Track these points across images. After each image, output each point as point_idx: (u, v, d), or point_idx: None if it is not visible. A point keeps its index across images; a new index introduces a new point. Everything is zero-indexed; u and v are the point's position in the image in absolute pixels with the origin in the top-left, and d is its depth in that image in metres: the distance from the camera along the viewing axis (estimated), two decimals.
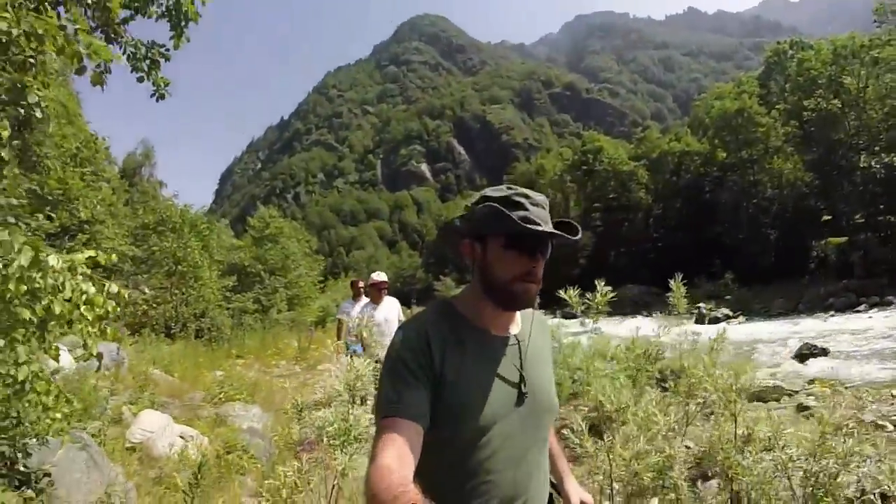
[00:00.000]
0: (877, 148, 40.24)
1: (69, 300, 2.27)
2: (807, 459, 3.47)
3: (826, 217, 40.61)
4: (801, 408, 8.11)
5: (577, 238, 1.60)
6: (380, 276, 8.06)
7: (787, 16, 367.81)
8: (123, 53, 5.07)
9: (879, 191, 36.27)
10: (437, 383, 1.50)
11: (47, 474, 2.80)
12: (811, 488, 3.42)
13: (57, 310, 2.25)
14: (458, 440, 1.53)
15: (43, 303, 2.19)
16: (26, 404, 2.61)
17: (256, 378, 10.20)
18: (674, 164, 54.06)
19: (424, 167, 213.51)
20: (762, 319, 27.74)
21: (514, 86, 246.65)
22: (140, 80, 5.28)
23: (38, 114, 2.80)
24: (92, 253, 2.55)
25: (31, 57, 2.83)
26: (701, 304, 32.53)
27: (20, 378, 2.41)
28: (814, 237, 39.11)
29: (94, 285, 2.45)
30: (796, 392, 9.73)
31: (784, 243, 40.40)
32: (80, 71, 2.78)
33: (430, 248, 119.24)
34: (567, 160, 68.57)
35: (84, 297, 2.35)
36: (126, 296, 2.73)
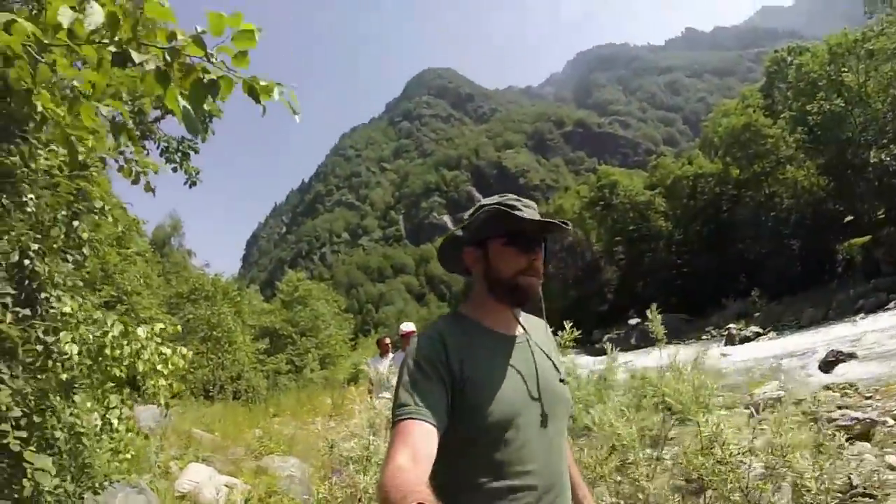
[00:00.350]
0: (884, 141, 40.13)
1: (147, 360, 2.95)
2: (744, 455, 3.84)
3: (848, 218, 39.58)
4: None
5: (569, 227, 1.74)
6: (408, 326, 8.29)
7: (783, 20, 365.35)
8: (157, 147, 5.86)
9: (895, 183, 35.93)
10: (456, 384, 1.57)
11: None
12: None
13: (140, 368, 2.93)
14: (483, 438, 1.58)
15: (125, 363, 2.87)
16: (99, 449, 3.21)
17: (293, 433, 10.77)
18: (689, 188, 53.72)
19: (446, 218, 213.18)
20: (793, 332, 27.42)
21: (526, 129, 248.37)
22: (174, 170, 6.03)
23: (106, 217, 3.49)
24: (162, 325, 3.28)
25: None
26: (731, 325, 32.54)
27: (110, 421, 3.05)
28: (837, 240, 38.15)
29: (172, 351, 3.17)
30: (801, 400, 9.95)
31: (808, 251, 39.75)
32: (136, 181, 3.43)
33: (459, 299, 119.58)
34: (584, 197, 68.64)
35: (161, 357, 3.04)
36: (188, 357, 3.43)
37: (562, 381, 1.76)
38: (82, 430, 2.83)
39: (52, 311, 2.53)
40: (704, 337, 34.54)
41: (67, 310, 2.55)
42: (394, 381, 4.95)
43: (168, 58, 1.83)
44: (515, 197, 1.74)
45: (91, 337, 2.78)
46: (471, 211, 1.80)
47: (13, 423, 2.21)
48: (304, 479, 7.24)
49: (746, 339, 27.38)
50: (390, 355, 9.05)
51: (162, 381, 3.12)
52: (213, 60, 1.88)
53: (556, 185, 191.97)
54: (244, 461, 8.40)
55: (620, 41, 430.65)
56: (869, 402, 9.39)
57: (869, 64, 41.65)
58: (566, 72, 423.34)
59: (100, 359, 2.77)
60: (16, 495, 2.12)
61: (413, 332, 8.09)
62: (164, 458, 7.03)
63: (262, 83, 1.97)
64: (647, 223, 57.35)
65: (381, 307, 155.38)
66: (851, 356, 14.76)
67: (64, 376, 2.57)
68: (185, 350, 3.42)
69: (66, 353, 2.54)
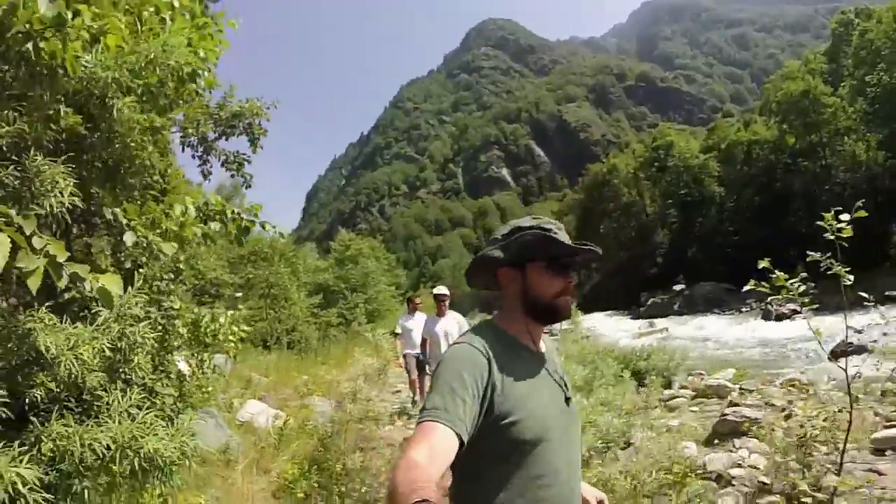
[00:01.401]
0: None
1: (224, 332, 4.40)
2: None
3: None
4: (731, 404, 8.66)
5: (600, 252, 1.83)
6: (440, 290, 8.50)
7: None
8: (217, 159, 7.26)
9: None
10: (495, 401, 1.60)
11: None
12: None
13: (221, 338, 4.34)
14: (517, 453, 1.63)
15: (210, 335, 4.31)
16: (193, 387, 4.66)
17: (332, 378, 12.33)
18: (744, 154, 52.75)
19: (505, 172, 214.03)
20: (831, 313, 26.80)
21: (588, 82, 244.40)
22: (232, 176, 7.44)
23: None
24: (237, 311, 4.74)
25: None
26: (775, 298, 32.67)
27: (203, 369, 4.48)
28: (894, 220, 37.39)
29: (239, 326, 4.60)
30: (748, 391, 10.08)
31: (862, 229, 37.73)
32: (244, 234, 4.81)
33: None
34: (640, 157, 68.41)
35: (233, 328, 4.45)
36: (248, 329, 4.89)
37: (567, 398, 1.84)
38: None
39: (170, 308, 3.91)
40: (745, 309, 34.80)
41: (176, 306, 3.92)
42: (418, 339, 6.50)
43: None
44: (550, 221, 1.84)
45: (191, 320, 4.27)
46: (505, 231, 1.86)
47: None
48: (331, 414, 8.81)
49: (783, 316, 27.23)
50: (419, 314, 9.70)
51: (231, 343, 4.51)
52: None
53: (617, 141, 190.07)
54: (291, 400, 9.88)
55: None
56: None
57: None
58: (630, 22, 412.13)
59: (196, 333, 4.17)
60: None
61: (444, 294, 8.42)
62: (229, 395, 8.62)
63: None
64: (701, 187, 56.80)
65: (439, 259, 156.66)
66: (863, 349, 14.26)
67: (176, 343, 3.98)
68: (245, 326, 4.80)
69: (180, 332, 3.97)
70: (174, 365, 3.99)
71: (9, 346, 2.70)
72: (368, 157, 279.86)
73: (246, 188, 7.60)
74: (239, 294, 18.34)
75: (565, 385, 1.84)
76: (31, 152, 2.57)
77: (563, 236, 1.79)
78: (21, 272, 2.25)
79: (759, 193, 49.78)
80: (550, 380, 1.80)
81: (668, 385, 11.46)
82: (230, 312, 4.64)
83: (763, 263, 4.54)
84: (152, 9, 3.35)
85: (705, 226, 55.10)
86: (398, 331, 9.49)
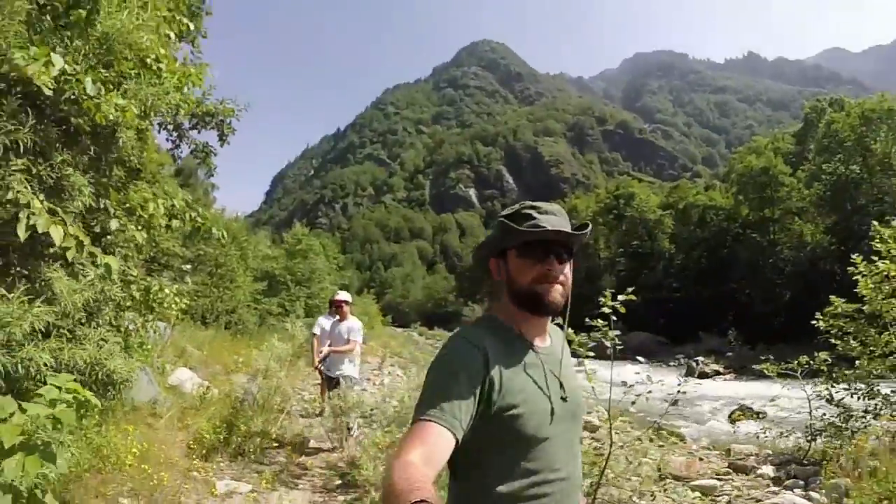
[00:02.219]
0: (886, 217, 40.62)
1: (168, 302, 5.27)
2: None
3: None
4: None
5: (584, 232, 1.72)
6: (340, 295, 8.50)
7: (849, 66, 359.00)
8: (189, 147, 8.10)
9: None
10: (490, 396, 1.56)
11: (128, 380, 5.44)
12: None
13: (166, 306, 5.22)
14: (512, 448, 1.61)
15: (157, 302, 5.18)
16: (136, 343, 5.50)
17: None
18: (698, 216, 54.22)
19: (472, 192, 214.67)
20: (751, 379, 27.49)
21: (568, 119, 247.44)
22: (198, 163, 8.31)
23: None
24: (181, 286, 5.63)
25: None
26: (700, 358, 33.77)
27: (147, 328, 5.36)
28: (827, 302, 37.77)
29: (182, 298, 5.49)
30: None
31: (797, 305, 37.71)
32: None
33: (466, 274, 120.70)
34: (600, 203, 69.48)
35: (177, 300, 5.32)
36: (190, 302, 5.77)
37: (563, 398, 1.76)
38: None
39: (129, 274, 4.81)
40: (672, 363, 35.83)
41: (134, 273, 4.81)
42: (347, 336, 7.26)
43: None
44: (533, 204, 1.75)
45: (144, 286, 5.14)
46: (496, 221, 1.81)
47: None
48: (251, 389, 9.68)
49: (705, 375, 27.75)
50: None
51: (174, 312, 5.40)
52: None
53: (586, 182, 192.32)
54: (219, 375, 10.75)
55: (681, 50, 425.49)
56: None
57: None
58: (621, 70, 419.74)
59: (147, 298, 5.04)
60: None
61: (340, 300, 8.34)
62: (163, 360, 9.43)
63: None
64: (653, 241, 58.40)
65: (392, 267, 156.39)
66: (759, 415, 14.76)
67: (128, 304, 4.85)
68: (185, 300, 5.69)
69: (134, 296, 4.85)
70: (124, 319, 4.89)
71: (35, 286, 3.66)
72: (341, 153, 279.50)
73: (208, 177, 8.52)
74: (187, 267, 18.97)
75: (561, 383, 1.75)
76: (55, 155, 3.56)
77: (545, 219, 1.69)
78: (60, 248, 3.25)
79: (707, 256, 50.94)
80: (554, 373, 1.75)
81: None
82: (176, 286, 5.52)
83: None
84: (154, 56, 4.31)
85: (651, 278, 55.71)
86: (316, 331, 9.20)
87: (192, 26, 5.46)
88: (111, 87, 3.80)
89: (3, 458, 2.55)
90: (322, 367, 8.32)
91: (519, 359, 1.68)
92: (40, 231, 3.08)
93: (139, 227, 4.71)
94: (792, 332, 36.15)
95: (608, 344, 5.21)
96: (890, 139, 41.81)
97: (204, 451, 6.11)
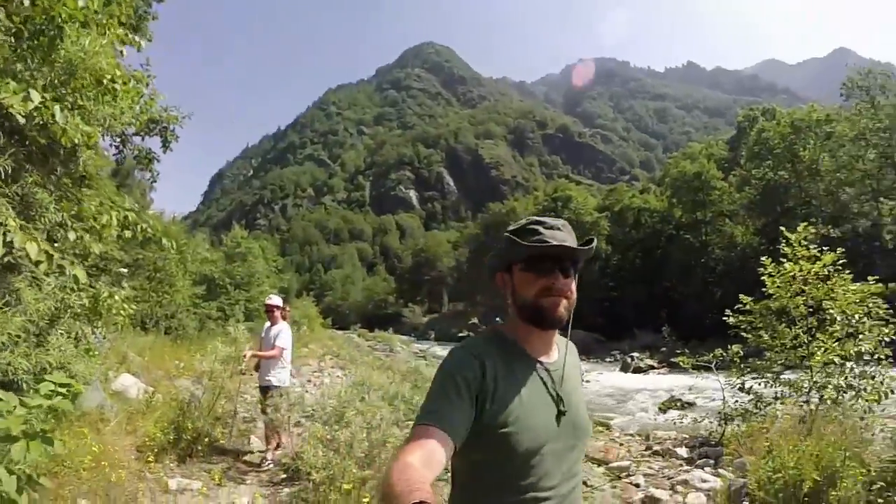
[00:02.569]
0: (813, 219, 42.80)
1: (115, 308, 5.47)
2: None
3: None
4: None
5: (588, 247, 1.72)
6: (271, 299, 8.36)
7: (784, 77, 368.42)
8: (132, 154, 8.23)
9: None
10: (486, 406, 1.58)
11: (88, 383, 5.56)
12: None
13: (114, 312, 5.41)
14: (509, 462, 1.61)
15: (105, 307, 5.37)
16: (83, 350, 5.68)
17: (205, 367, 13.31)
18: (634, 218, 56.00)
19: (412, 194, 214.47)
20: (682, 372, 28.64)
21: (510, 123, 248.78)
22: (141, 169, 8.46)
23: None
24: (128, 293, 5.82)
25: None
26: (635, 354, 34.83)
27: (86, 346, 5.54)
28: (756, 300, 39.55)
29: (129, 304, 5.69)
30: None
31: (727, 303, 39.25)
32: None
33: (406, 276, 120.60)
34: (539, 205, 70.39)
35: (124, 306, 5.52)
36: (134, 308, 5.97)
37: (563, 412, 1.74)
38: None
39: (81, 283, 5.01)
40: (608, 359, 36.97)
41: (83, 281, 5.02)
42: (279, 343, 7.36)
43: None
44: (539, 220, 1.76)
45: (92, 293, 5.32)
46: (503, 235, 1.81)
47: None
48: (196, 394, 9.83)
49: (639, 370, 29.43)
50: (283, 323, 9.46)
51: (121, 318, 5.60)
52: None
53: (526, 184, 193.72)
54: (162, 380, 10.84)
55: (623, 58, 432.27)
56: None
57: (826, 144, 44.01)
58: (563, 76, 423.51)
59: (95, 305, 5.23)
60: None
61: (278, 305, 8.23)
62: (105, 367, 9.52)
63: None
64: None
65: (331, 269, 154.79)
66: (686, 405, 15.83)
67: (79, 311, 5.04)
68: (133, 306, 5.90)
69: (84, 303, 5.04)
70: (68, 324, 5.10)
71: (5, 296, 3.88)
72: (281, 153, 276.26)
73: (152, 183, 8.70)
74: (124, 270, 18.74)
75: (561, 399, 1.73)
76: (25, 176, 3.81)
77: (550, 234, 1.71)
78: (33, 261, 3.50)
79: (642, 257, 52.56)
80: (557, 390, 1.74)
81: None
82: (123, 292, 5.73)
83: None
84: (110, 76, 4.55)
85: (588, 278, 56.64)
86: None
87: (143, 44, 5.68)
88: (71, 107, 4.05)
89: (10, 443, 2.83)
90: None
91: (518, 372, 1.70)
92: (17, 246, 3.31)
93: (94, 238, 4.93)
94: (723, 327, 37.73)
95: None
96: (817, 147, 44.34)
97: (154, 453, 6.33)
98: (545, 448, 1.63)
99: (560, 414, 1.70)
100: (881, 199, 43.91)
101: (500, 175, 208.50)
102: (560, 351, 1.87)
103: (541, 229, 1.72)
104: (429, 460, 1.37)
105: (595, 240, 1.78)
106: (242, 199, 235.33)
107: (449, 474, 1.77)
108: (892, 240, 39.84)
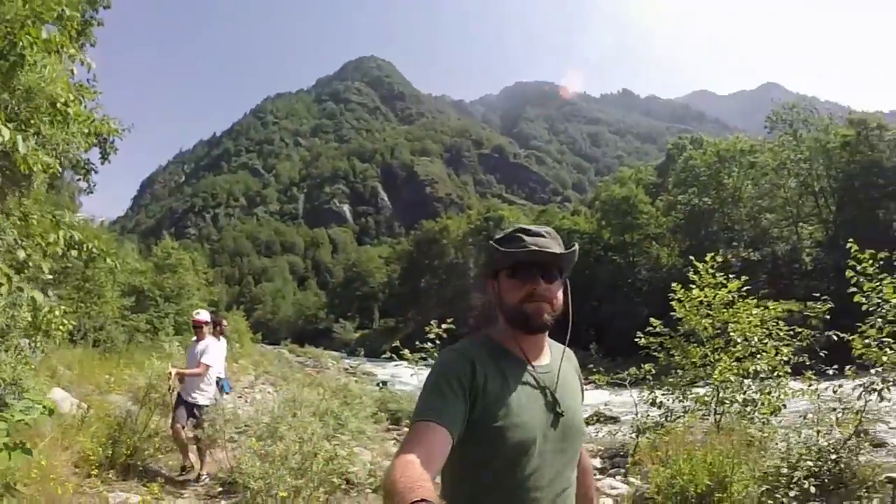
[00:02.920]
0: (734, 243, 44.97)
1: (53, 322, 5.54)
2: None
3: None
4: None
5: (568, 252, 1.78)
6: (202, 315, 8.11)
7: (714, 107, 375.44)
8: (71, 165, 8.25)
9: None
10: (477, 404, 1.60)
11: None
12: None
13: (54, 326, 5.49)
14: (499, 460, 1.62)
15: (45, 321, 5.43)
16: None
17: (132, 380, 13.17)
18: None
19: (346, 208, 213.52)
20: (607, 389, 29.10)
21: (446, 141, 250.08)
22: (79, 179, 8.50)
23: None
24: (63, 309, 5.88)
25: None
26: None
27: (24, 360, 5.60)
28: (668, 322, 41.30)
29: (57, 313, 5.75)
30: None
31: (644, 323, 40.95)
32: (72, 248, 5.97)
33: (337, 290, 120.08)
34: (471, 224, 71.96)
35: (63, 320, 5.59)
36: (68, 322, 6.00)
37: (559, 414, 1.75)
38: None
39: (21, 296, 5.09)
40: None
41: (41, 302, 5.11)
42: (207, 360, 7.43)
43: None
44: (524, 228, 1.80)
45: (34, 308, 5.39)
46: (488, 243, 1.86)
47: None
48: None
49: None
50: (222, 339, 9.22)
51: (60, 332, 5.66)
52: None
53: (460, 202, 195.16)
54: (93, 394, 10.69)
55: (561, 83, 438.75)
56: None
57: (748, 173, 46.61)
58: (500, 97, 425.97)
59: (36, 320, 5.30)
60: None
61: (206, 321, 7.98)
62: (35, 382, 9.47)
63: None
64: None
65: (262, 282, 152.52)
66: (615, 419, 15.47)
67: (22, 325, 5.14)
68: (72, 322, 5.99)
69: (26, 317, 5.12)
70: (17, 339, 5.17)
71: None
72: (214, 160, 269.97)
73: (88, 194, 8.75)
74: (50, 277, 18.22)
75: (556, 400, 1.74)
76: None
77: (532, 241, 1.74)
78: None
79: (571, 276, 53.50)
80: (547, 391, 1.75)
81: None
82: (62, 306, 5.81)
83: None
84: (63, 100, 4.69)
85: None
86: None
87: (93, 64, 5.76)
88: (32, 133, 4.20)
89: None
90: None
91: (508, 374, 1.71)
92: None
93: (43, 258, 5.02)
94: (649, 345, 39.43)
95: None
96: (741, 175, 46.80)
97: (93, 468, 6.38)
98: (535, 447, 1.65)
99: (556, 415, 1.72)
100: (800, 223, 46.46)
101: (434, 192, 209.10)
102: (553, 355, 1.88)
103: (524, 237, 1.75)
104: (430, 456, 1.39)
105: (577, 245, 1.83)
106: (173, 206, 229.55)
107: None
108: (812, 261, 41.92)
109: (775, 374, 7.40)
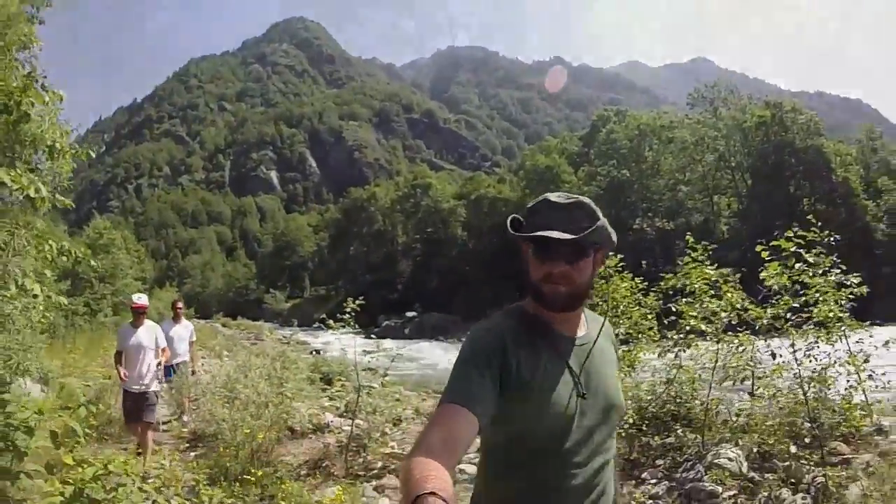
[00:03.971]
0: (650, 214, 47.50)
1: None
2: None
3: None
4: None
5: (579, 236, 1.57)
6: (141, 298, 7.72)
7: (644, 78, 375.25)
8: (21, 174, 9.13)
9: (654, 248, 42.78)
10: (511, 382, 1.55)
11: None
12: None
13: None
14: (535, 440, 1.60)
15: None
16: None
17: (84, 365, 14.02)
18: (489, 206, 59.15)
19: (273, 174, 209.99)
20: None
21: (375, 105, 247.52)
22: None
23: None
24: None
25: None
26: None
27: None
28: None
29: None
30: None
31: None
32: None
33: (266, 260, 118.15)
34: (399, 191, 73.51)
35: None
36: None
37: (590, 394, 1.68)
38: None
39: None
40: (464, 339, 39.56)
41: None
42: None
43: None
44: (548, 200, 1.69)
45: None
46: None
47: None
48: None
49: None
50: (184, 321, 10.25)
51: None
52: None
53: (389, 168, 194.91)
54: (54, 379, 11.54)
55: (493, 48, 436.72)
56: None
57: (668, 147, 49.46)
58: (431, 61, 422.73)
59: None
60: None
61: (145, 306, 7.69)
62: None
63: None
64: (447, 228, 62.97)
65: (189, 254, 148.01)
66: None
67: None
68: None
69: None
70: None
71: None
72: (136, 128, 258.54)
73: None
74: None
75: (580, 380, 1.66)
76: None
77: (556, 215, 1.63)
78: None
79: (497, 242, 54.97)
80: (584, 366, 1.70)
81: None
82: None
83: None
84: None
85: (445, 262, 60.91)
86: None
87: (63, 95, 6.66)
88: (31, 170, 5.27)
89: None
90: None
91: (543, 352, 1.65)
92: None
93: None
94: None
95: None
96: (660, 149, 49.65)
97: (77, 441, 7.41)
98: (571, 423, 1.62)
99: (590, 389, 1.68)
100: (716, 196, 49.28)
101: (363, 157, 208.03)
102: (589, 327, 1.82)
103: (545, 210, 1.67)
104: (451, 442, 1.36)
105: (600, 221, 1.62)
106: (94, 178, 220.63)
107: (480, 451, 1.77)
108: (729, 230, 44.66)
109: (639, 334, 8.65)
